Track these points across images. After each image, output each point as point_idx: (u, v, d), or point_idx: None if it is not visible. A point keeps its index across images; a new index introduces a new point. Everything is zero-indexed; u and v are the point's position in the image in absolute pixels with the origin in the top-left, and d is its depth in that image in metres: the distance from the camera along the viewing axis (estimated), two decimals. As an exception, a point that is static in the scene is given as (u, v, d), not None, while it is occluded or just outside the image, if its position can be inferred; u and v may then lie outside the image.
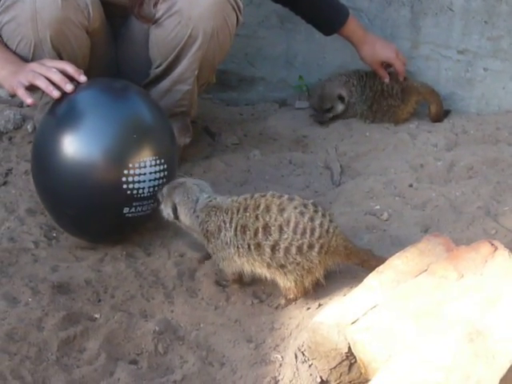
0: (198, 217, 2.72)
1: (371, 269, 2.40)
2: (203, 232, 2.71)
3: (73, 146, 2.83)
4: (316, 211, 2.60)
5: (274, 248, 2.56)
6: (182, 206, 2.75)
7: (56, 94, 2.89)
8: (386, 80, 3.99)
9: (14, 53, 3.14)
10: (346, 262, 2.65)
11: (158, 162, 2.87)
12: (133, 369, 2.42)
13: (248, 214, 2.62)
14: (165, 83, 3.39)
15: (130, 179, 2.82)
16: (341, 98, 4.04)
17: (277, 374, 2.37)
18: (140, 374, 2.40)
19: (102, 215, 2.91)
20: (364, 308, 2.21)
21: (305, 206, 2.60)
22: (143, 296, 2.76)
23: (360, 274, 2.56)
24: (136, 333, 2.56)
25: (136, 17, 3.33)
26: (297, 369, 2.35)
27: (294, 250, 2.55)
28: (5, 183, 3.46)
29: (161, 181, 2.89)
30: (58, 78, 2.90)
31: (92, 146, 2.83)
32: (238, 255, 2.63)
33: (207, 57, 3.32)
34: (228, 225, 2.65)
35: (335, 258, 2.61)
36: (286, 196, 2.64)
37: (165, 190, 2.79)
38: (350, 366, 2.25)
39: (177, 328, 2.60)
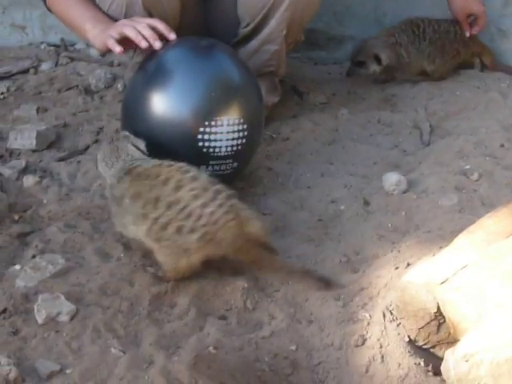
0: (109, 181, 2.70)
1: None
2: (111, 197, 2.68)
3: (160, 103, 2.87)
4: (214, 199, 2.50)
5: (155, 220, 2.49)
6: (102, 164, 2.77)
7: (144, 44, 2.90)
8: (468, 33, 3.92)
9: (106, 14, 3.18)
10: (237, 258, 2.57)
11: (236, 121, 2.86)
12: (222, 324, 2.45)
13: (146, 183, 2.55)
14: (253, 43, 3.40)
15: (206, 137, 2.83)
16: (377, 59, 3.92)
17: (364, 333, 2.37)
18: (229, 330, 2.43)
19: None
20: (454, 268, 2.19)
21: (205, 189, 2.50)
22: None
23: (449, 234, 2.55)
24: (225, 289, 2.58)
25: None
26: (384, 327, 2.35)
27: (172, 228, 2.46)
28: (96, 141, 3.52)
29: (240, 141, 2.88)
30: (148, 33, 2.92)
31: (177, 103, 2.86)
32: (132, 223, 2.58)
33: (295, 17, 3.31)
34: (127, 191, 2.59)
35: (220, 249, 2.51)
36: (192, 174, 2.54)
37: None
38: (439, 325, 2.23)
39: (265, 285, 2.62)
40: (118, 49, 2.95)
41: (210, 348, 2.31)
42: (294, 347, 2.37)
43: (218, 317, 2.49)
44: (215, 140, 2.84)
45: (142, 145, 2.75)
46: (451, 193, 2.95)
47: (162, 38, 2.94)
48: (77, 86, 4.03)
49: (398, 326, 2.34)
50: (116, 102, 3.84)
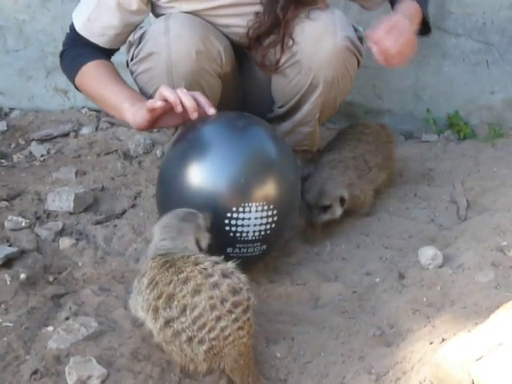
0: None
1: None
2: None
3: (196, 176, 2.85)
4: (230, 312, 2.39)
5: (167, 322, 2.41)
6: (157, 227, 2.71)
7: (179, 108, 2.89)
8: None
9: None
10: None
11: (265, 207, 2.83)
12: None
13: (167, 274, 2.44)
14: (287, 125, 3.44)
15: (233, 222, 2.81)
16: (342, 201, 3.38)
17: (397, 408, 2.35)
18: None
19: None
20: (490, 345, 2.15)
21: (222, 301, 2.38)
22: (269, 321, 2.78)
23: (484, 311, 2.52)
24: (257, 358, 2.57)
25: (258, 66, 3.35)
26: (418, 403, 2.32)
27: (184, 337, 2.39)
28: (133, 206, 3.55)
29: (268, 225, 2.85)
30: (188, 101, 2.89)
31: (209, 182, 2.83)
32: (142, 307, 2.51)
33: (328, 101, 3.35)
34: (147, 273, 2.51)
35: (222, 363, 2.43)
36: (214, 279, 2.40)
37: None
38: (474, 403, 2.20)
39: (298, 355, 2.61)
40: (159, 103, 2.91)
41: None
42: (325, 420, 2.35)
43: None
44: (242, 225, 2.82)
45: (204, 242, 2.70)
46: (487, 269, 2.92)
47: (201, 111, 2.93)
48: (116, 151, 4.09)
49: (431, 402, 2.30)
50: (154, 168, 3.88)
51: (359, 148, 3.56)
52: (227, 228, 2.82)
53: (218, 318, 2.38)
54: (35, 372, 2.48)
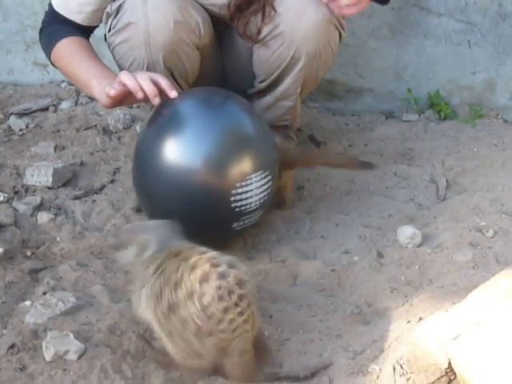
0: None
1: None
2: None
3: (174, 158, 2.83)
4: (237, 305, 2.31)
5: (172, 309, 2.31)
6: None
7: (140, 95, 2.86)
8: None
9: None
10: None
11: (263, 175, 2.86)
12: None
13: (175, 261, 2.36)
14: (268, 99, 3.41)
15: (238, 198, 2.82)
16: None
17: (374, 386, 2.36)
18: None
19: (208, 230, 2.89)
20: (467, 324, 2.17)
21: (230, 292, 2.29)
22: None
23: (462, 290, 2.53)
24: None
25: (240, 36, 3.32)
26: (394, 381, 2.31)
27: (192, 326, 2.29)
28: (112, 181, 3.53)
29: (267, 191, 2.89)
30: (147, 86, 2.87)
31: (195, 162, 2.82)
32: (146, 300, 2.38)
33: (310, 74, 3.32)
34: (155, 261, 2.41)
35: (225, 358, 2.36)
36: (222, 269, 2.31)
37: None
38: (449, 382, 2.20)
39: (276, 333, 2.61)
40: (112, 91, 2.89)
41: (216, 395, 2.29)
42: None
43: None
44: (246, 198, 2.84)
45: None
46: (466, 249, 2.94)
47: (164, 95, 2.90)
48: (95, 126, 4.05)
49: (407, 380, 2.29)
50: (134, 144, 3.85)
51: None
52: (233, 205, 2.82)
53: (226, 310, 2.30)
54: (12, 346, 2.47)
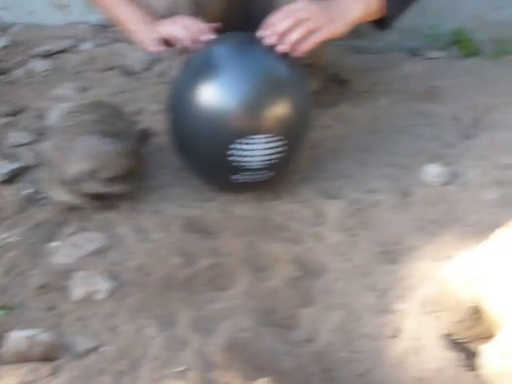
0: None
1: None
2: None
3: (206, 100, 2.80)
4: None
5: None
6: None
7: (180, 44, 2.94)
8: None
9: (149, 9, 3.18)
10: None
11: (273, 138, 2.78)
12: (258, 311, 2.46)
13: None
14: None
15: (236, 152, 2.78)
16: None
17: (400, 324, 2.36)
18: (266, 316, 2.44)
19: (211, 177, 2.99)
20: (493, 262, 2.17)
21: None
22: (271, 237, 2.79)
23: (489, 229, 2.52)
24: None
25: None
26: (421, 320, 2.34)
27: None
28: (136, 122, 3.52)
29: (276, 155, 2.81)
30: (185, 35, 2.93)
31: (214, 111, 2.79)
32: None
33: None
34: None
35: None
36: None
37: None
38: (476, 320, 2.21)
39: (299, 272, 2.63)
40: (150, 49, 3.01)
41: (245, 332, 2.30)
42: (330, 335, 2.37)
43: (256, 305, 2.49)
44: (247, 156, 2.79)
45: None
46: (492, 187, 2.92)
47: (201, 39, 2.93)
48: (117, 67, 4.04)
49: (434, 319, 2.32)
50: (155, 85, 3.85)
51: None
52: (230, 158, 2.79)
53: None
54: (42, 286, 2.50)
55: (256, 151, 2.79)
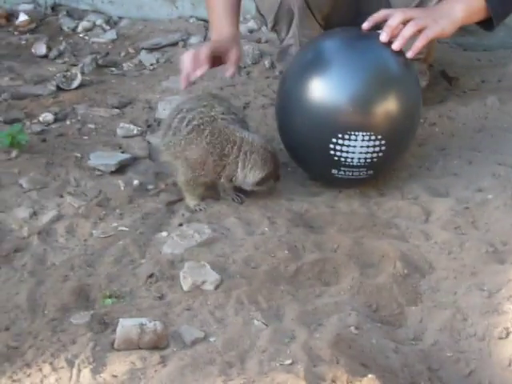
0: None
1: None
2: None
3: (315, 92, 2.84)
4: None
5: None
6: None
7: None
8: None
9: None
10: None
11: (371, 137, 2.79)
12: (365, 307, 2.46)
13: None
14: None
15: (338, 147, 2.80)
16: None
17: (509, 325, 2.30)
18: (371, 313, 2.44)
19: (313, 170, 3.05)
20: None
21: None
22: (377, 233, 2.78)
23: None
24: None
25: None
26: (531, 322, 2.30)
27: None
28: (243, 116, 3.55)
29: (376, 154, 2.83)
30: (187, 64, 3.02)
31: (319, 104, 2.83)
32: None
33: None
34: None
35: None
36: None
37: None
38: None
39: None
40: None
41: (352, 328, 2.30)
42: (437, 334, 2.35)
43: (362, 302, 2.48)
44: (347, 152, 2.81)
45: None
46: None
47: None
48: (225, 61, 4.07)
49: (544, 321, 2.28)
50: (262, 78, 3.88)
51: None
52: (332, 152, 2.82)
53: None
54: (151, 276, 2.54)
55: (356, 148, 2.80)
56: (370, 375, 2.08)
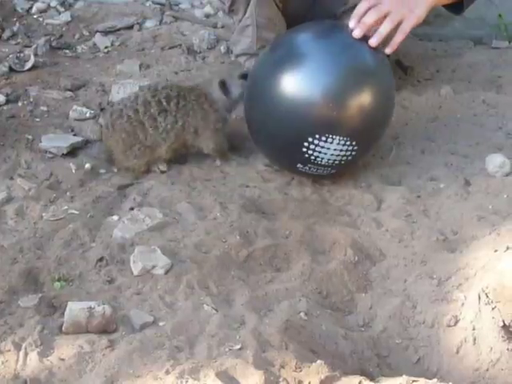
0: None
1: None
2: None
3: (289, 86, 2.82)
4: None
5: None
6: None
7: None
8: None
9: None
10: None
11: (347, 142, 2.79)
12: (315, 293, 2.47)
13: None
14: None
15: (312, 147, 2.79)
16: None
17: (458, 313, 2.33)
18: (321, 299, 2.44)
19: (277, 161, 3.03)
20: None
21: None
22: (329, 221, 2.79)
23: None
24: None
25: None
26: (479, 310, 2.30)
27: None
28: (197, 100, 3.53)
29: (344, 158, 2.84)
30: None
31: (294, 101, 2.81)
32: None
33: None
34: None
35: None
36: None
37: None
38: (536, 313, 2.19)
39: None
40: None
41: (302, 314, 2.30)
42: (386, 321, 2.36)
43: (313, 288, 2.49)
44: (320, 152, 2.81)
45: None
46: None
47: None
48: (180, 45, 4.05)
49: (493, 309, 2.28)
50: (218, 64, 3.86)
51: None
52: (304, 149, 2.81)
53: None
54: (100, 259, 2.52)
55: (330, 150, 2.80)
56: (318, 361, 2.09)
